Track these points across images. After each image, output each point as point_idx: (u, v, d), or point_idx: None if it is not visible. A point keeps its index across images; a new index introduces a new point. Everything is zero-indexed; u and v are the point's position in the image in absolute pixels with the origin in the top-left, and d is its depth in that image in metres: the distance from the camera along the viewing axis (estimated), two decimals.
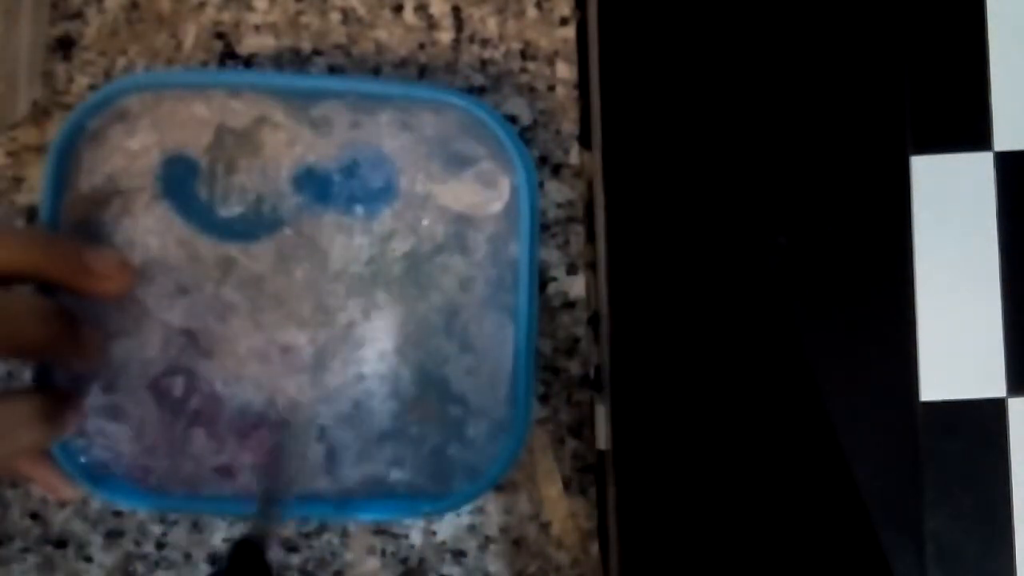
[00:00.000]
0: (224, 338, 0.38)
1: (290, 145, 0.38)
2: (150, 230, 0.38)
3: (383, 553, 0.42)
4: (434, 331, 0.39)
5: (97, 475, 0.38)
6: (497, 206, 0.38)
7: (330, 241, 0.39)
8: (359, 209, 0.38)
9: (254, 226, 0.38)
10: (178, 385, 0.39)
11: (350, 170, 0.38)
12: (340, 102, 0.38)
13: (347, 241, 0.39)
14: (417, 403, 0.39)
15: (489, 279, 0.38)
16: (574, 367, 0.42)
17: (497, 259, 0.38)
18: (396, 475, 0.39)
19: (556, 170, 0.42)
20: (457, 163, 0.38)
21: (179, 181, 0.38)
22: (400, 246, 0.39)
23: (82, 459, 0.38)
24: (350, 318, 0.39)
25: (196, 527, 0.42)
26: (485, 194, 0.38)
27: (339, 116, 0.38)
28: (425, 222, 0.38)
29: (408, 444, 0.39)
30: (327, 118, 0.38)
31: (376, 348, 0.39)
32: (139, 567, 0.43)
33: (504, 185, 0.38)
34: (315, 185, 0.38)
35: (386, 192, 0.39)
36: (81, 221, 0.38)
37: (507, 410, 0.38)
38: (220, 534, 0.42)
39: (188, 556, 0.43)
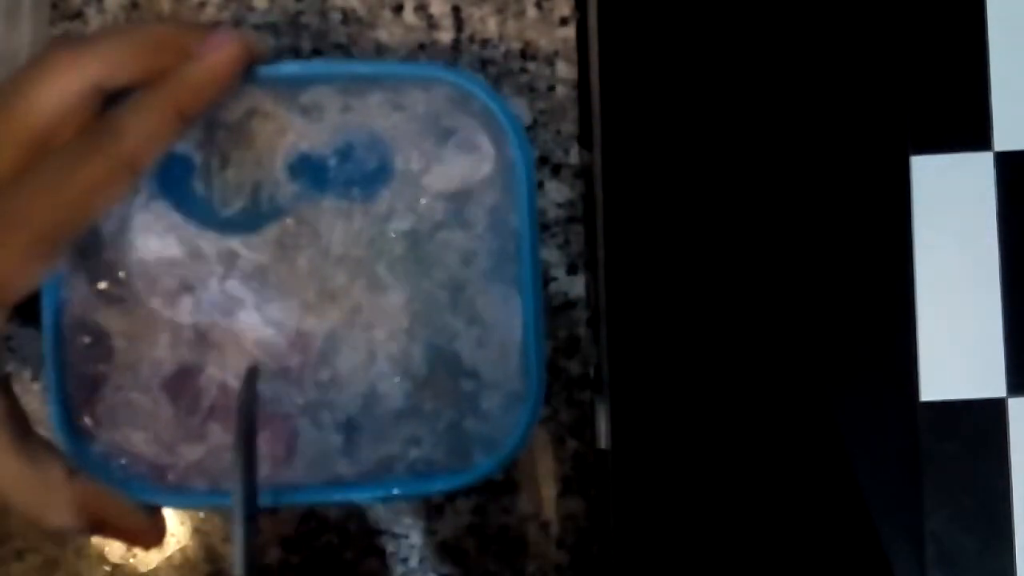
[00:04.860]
0: (232, 332, 0.38)
1: (282, 134, 0.38)
2: (149, 230, 0.38)
3: (383, 553, 0.42)
4: (441, 307, 0.38)
5: (115, 478, 0.38)
6: (487, 168, 0.38)
7: (330, 226, 0.38)
8: (356, 192, 0.38)
9: (253, 218, 0.38)
10: (191, 382, 0.38)
11: (344, 154, 0.38)
12: (329, 87, 0.38)
13: (347, 225, 0.38)
14: (430, 380, 0.38)
15: (491, 251, 0.38)
16: (574, 367, 0.42)
17: (498, 231, 0.38)
18: (414, 453, 0.39)
19: (556, 170, 0.42)
20: (449, 138, 0.38)
21: (175, 179, 0.38)
22: (400, 226, 0.38)
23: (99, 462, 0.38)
24: (356, 302, 0.39)
25: (198, 530, 0.42)
26: (470, 160, 0.38)
27: (329, 101, 0.38)
28: (423, 200, 0.38)
29: (424, 422, 0.38)
30: (317, 104, 0.38)
31: (385, 329, 0.39)
32: (139, 567, 0.43)
33: (485, 144, 0.38)
34: (311, 172, 0.38)
35: (382, 173, 0.38)
36: None
37: (520, 380, 0.38)
38: (220, 535, 0.42)
39: (187, 555, 0.43)
